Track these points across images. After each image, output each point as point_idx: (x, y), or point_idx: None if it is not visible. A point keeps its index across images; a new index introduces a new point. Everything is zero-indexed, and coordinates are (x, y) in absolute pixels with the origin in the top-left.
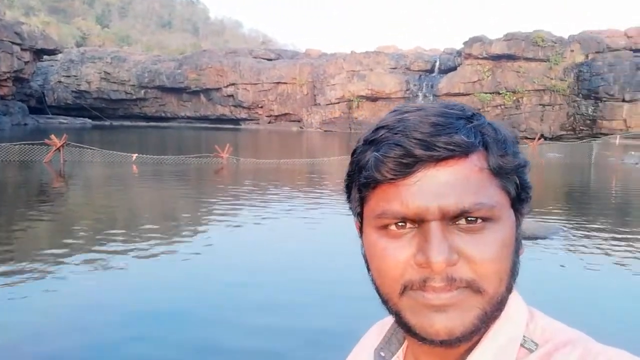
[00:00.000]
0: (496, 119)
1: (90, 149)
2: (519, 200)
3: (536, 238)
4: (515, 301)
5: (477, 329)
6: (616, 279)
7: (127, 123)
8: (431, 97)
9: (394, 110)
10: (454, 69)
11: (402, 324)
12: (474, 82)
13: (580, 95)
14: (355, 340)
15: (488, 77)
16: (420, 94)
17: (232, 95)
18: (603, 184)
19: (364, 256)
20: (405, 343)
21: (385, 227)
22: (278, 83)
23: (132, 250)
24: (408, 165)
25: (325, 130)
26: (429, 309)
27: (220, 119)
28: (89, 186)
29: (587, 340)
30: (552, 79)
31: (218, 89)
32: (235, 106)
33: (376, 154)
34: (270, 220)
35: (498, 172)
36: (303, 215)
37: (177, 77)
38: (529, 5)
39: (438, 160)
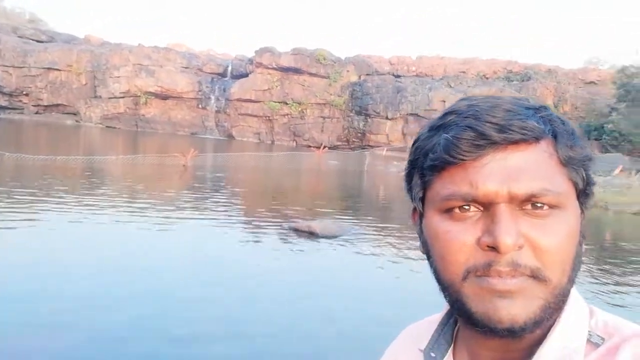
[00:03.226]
0: (283, 127)
1: None
2: (584, 194)
3: (335, 236)
4: (576, 295)
5: (540, 320)
6: (389, 269)
7: None
8: (223, 101)
9: (461, 100)
10: (245, 75)
11: (463, 312)
12: (265, 90)
13: (354, 111)
14: None
15: (277, 87)
16: (212, 97)
17: None
18: (376, 189)
19: (423, 243)
20: (453, 343)
21: (449, 210)
22: (49, 69)
23: None
24: (479, 147)
25: (107, 126)
26: (493, 294)
27: None
28: None
29: None
30: (331, 94)
31: None
32: None
33: (446, 135)
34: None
35: (567, 162)
36: (79, 220)
37: None
38: (314, 23)
39: (510, 143)
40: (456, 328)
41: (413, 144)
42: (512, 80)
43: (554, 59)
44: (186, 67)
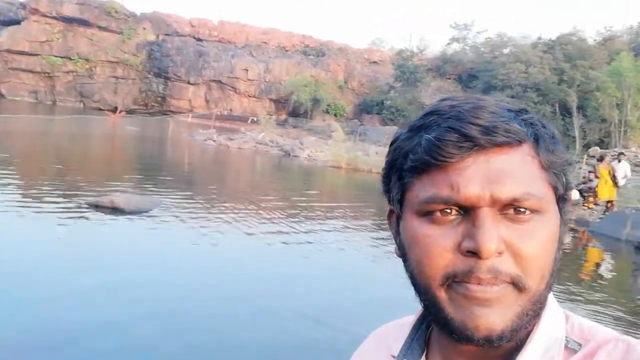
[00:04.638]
0: (67, 86)
1: None
2: (563, 199)
3: (143, 211)
4: (553, 301)
5: (518, 328)
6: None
7: None
8: None
9: (442, 99)
10: (17, 22)
11: (439, 318)
12: (43, 42)
13: (152, 73)
14: None
15: (58, 39)
16: None
17: None
18: (184, 158)
19: (400, 246)
20: (426, 349)
21: (429, 213)
22: None
23: None
24: (463, 149)
25: None
26: (472, 301)
27: None
28: None
29: (625, 337)
30: (125, 52)
31: None
32: None
33: (428, 136)
34: None
35: (548, 166)
36: None
37: None
38: None
39: (494, 145)
40: (428, 332)
41: (391, 144)
42: (309, 55)
43: (344, 37)
44: None
